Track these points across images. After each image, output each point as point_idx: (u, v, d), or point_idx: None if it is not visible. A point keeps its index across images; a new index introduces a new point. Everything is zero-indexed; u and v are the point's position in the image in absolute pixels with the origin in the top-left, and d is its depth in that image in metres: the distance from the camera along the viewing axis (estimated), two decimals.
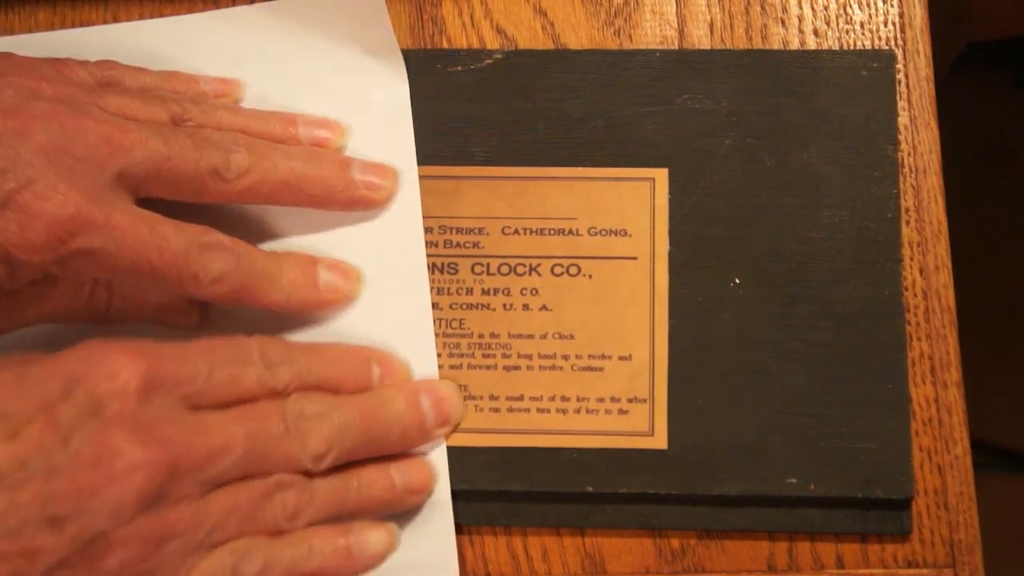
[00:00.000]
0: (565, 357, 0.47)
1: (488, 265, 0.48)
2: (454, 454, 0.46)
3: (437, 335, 0.47)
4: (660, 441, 0.46)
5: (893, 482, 0.45)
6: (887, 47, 0.50)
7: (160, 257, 0.43)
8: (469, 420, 0.46)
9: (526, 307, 0.47)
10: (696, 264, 0.47)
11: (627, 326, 0.47)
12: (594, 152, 0.49)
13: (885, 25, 0.50)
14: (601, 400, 0.46)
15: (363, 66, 0.50)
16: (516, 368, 0.47)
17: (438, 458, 0.46)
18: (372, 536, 0.44)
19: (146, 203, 0.44)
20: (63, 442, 0.38)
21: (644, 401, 0.46)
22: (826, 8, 0.50)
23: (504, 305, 0.48)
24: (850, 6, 0.50)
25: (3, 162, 0.40)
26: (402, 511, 0.45)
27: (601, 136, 0.49)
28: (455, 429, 0.46)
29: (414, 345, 0.47)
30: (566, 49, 0.50)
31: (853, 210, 0.48)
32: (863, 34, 0.50)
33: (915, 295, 0.47)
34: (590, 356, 0.47)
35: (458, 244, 0.48)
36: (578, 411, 0.46)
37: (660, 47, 0.50)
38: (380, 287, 0.47)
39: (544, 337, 0.47)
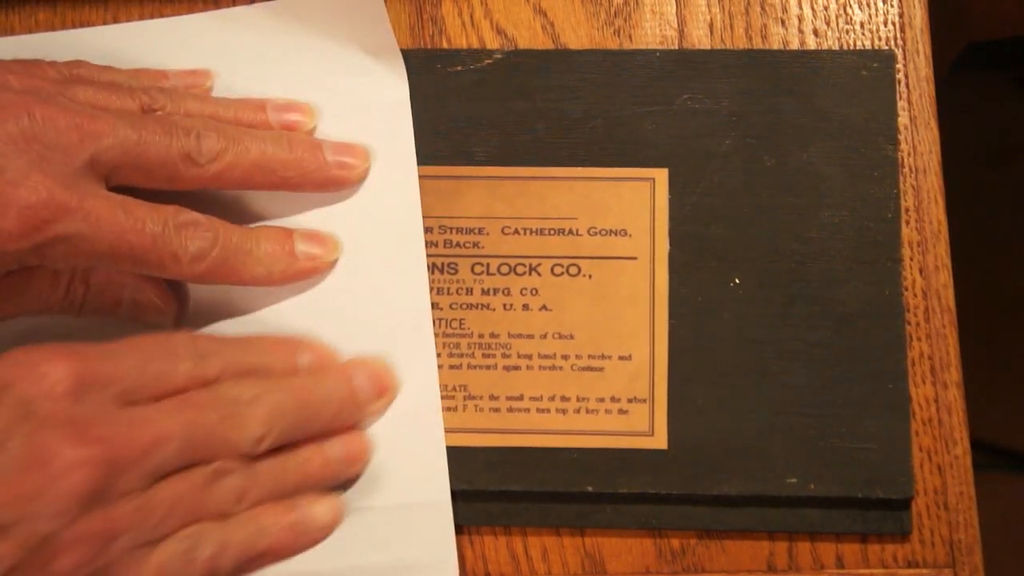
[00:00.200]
0: (565, 357, 0.47)
1: (488, 265, 0.48)
2: (454, 454, 0.46)
3: (437, 335, 0.47)
4: (660, 441, 0.46)
5: (893, 482, 0.45)
6: (887, 47, 0.50)
7: (139, 239, 0.43)
8: (469, 420, 0.46)
9: (526, 307, 0.47)
10: (696, 264, 0.47)
11: (627, 326, 0.47)
12: (594, 152, 0.49)
13: (885, 25, 0.50)
14: (601, 400, 0.46)
15: (363, 66, 0.50)
16: (516, 368, 0.47)
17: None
18: (318, 509, 0.44)
19: (119, 192, 0.44)
20: None
21: (644, 401, 0.46)
22: (826, 8, 0.50)
23: (504, 305, 0.47)
24: (850, 6, 0.50)
25: None
26: (343, 481, 0.45)
27: (601, 136, 0.49)
28: (394, 397, 0.46)
29: (414, 345, 0.47)
30: (566, 49, 0.50)
31: (853, 210, 0.48)
32: (863, 34, 0.50)
33: (915, 295, 0.47)
34: (590, 356, 0.47)
35: (458, 244, 0.48)
36: (578, 411, 0.46)
37: (660, 47, 0.50)
38: (379, 287, 0.47)
39: (544, 337, 0.47)
